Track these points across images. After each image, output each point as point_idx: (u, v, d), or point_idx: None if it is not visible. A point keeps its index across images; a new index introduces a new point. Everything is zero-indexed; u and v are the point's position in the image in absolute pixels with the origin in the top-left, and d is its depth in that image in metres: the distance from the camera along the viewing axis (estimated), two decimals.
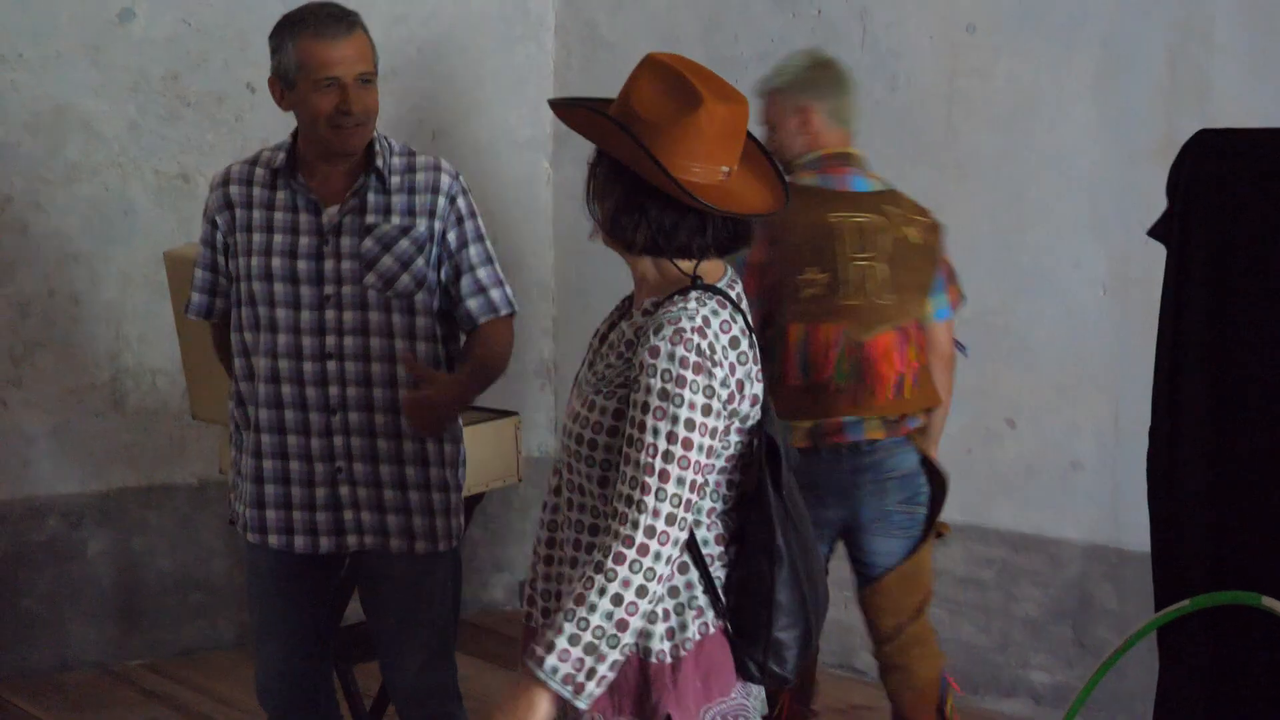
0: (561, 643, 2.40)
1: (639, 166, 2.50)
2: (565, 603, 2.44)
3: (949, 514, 4.50)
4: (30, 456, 4.82)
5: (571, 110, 2.61)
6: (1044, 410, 4.74)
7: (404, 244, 3.32)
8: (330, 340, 3.33)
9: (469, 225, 3.37)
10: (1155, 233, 3.29)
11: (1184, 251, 3.20)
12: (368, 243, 3.31)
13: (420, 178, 3.37)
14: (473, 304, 3.37)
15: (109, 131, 4.82)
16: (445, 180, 3.37)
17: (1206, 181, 3.17)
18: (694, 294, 2.52)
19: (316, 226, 3.33)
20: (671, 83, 2.50)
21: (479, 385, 3.38)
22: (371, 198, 3.33)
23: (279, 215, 3.34)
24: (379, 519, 3.36)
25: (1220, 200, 3.16)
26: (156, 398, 4.99)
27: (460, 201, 3.37)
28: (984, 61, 4.79)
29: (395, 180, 3.35)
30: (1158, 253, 3.33)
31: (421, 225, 3.33)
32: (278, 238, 3.33)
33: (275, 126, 5.12)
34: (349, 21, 3.34)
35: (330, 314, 3.32)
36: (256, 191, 3.37)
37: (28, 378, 4.79)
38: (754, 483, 2.58)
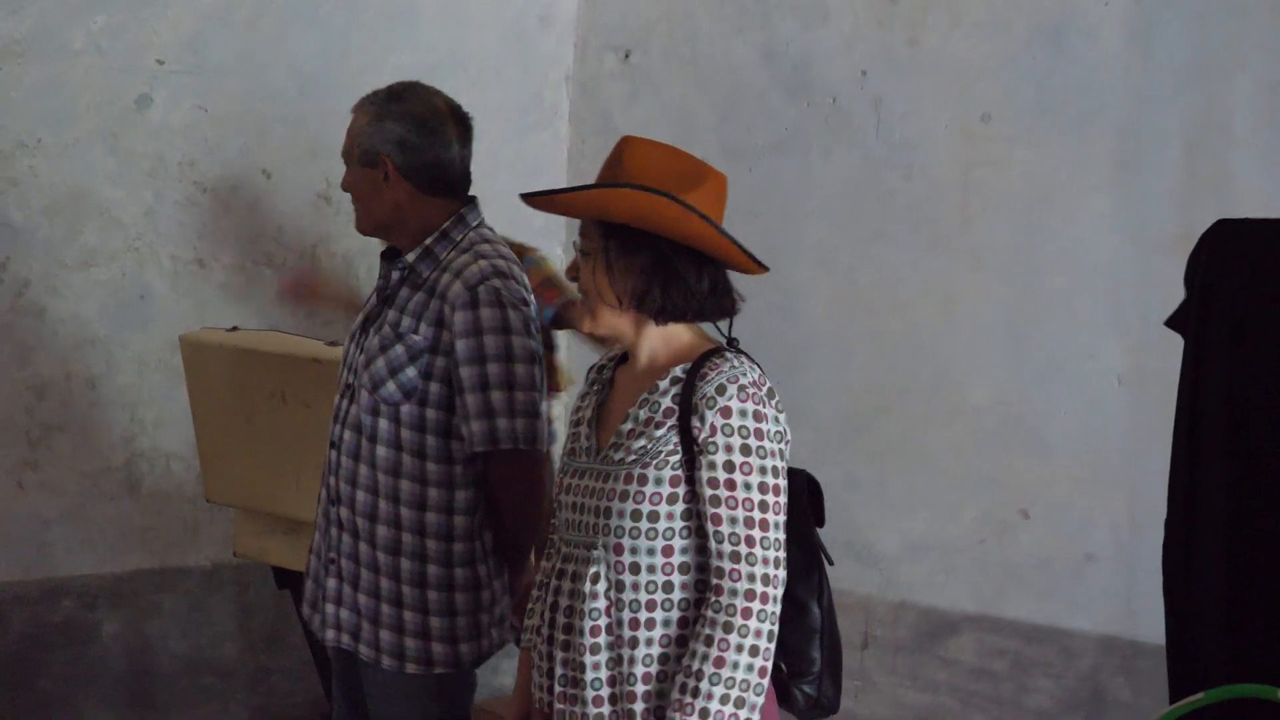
0: (715, 706, 2.54)
1: (684, 230, 2.56)
2: (698, 669, 2.56)
3: (962, 604, 4.48)
4: (46, 538, 4.81)
5: (580, 192, 2.67)
6: (1058, 502, 4.72)
7: (398, 349, 3.18)
8: (335, 429, 3.30)
9: (465, 343, 3.14)
10: (1173, 323, 3.29)
11: (1200, 340, 3.20)
12: (373, 339, 3.23)
13: (444, 280, 3.19)
14: (472, 427, 3.16)
15: (126, 217, 4.84)
16: (455, 288, 3.15)
17: (1224, 270, 3.18)
18: (728, 354, 2.62)
19: (366, 309, 3.35)
20: (670, 154, 2.63)
21: (517, 547, 3.25)
22: (403, 291, 3.24)
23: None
24: (355, 621, 3.25)
25: (1238, 288, 3.16)
26: (171, 481, 4.99)
27: (460, 315, 3.13)
28: (1000, 152, 4.81)
29: (427, 276, 3.21)
30: (1174, 344, 3.32)
31: (423, 333, 3.17)
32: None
33: (290, 212, 5.17)
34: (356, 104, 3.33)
35: (343, 404, 3.29)
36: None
37: (44, 460, 4.79)
38: (791, 522, 2.66)
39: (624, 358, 2.82)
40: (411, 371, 3.16)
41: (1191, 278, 3.25)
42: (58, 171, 4.75)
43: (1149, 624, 4.19)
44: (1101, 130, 4.64)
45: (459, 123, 3.32)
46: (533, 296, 3.25)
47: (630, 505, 2.62)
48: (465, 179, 3.33)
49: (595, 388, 2.81)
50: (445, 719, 3.26)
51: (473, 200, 3.33)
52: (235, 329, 4.30)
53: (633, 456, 2.64)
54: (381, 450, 3.20)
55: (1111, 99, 4.62)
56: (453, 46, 5.45)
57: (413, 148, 3.24)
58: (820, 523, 2.83)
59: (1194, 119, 4.47)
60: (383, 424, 3.20)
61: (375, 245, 5.34)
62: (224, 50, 5.00)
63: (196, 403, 4.23)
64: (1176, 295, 3.33)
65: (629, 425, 2.67)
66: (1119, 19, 4.61)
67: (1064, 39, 4.69)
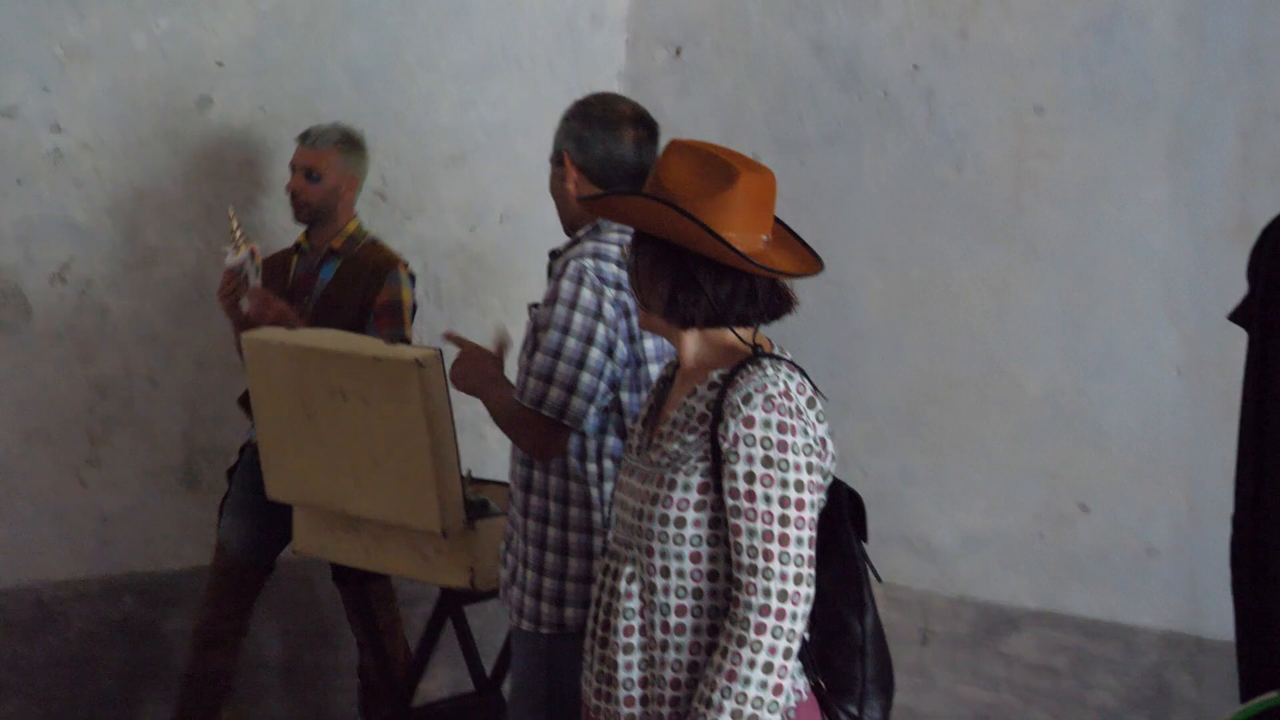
0: None
1: (692, 241, 2.56)
2: (712, 680, 2.52)
3: (1021, 599, 4.45)
4: (107, 535, 4.87)
5: (605, 200, 2.69)
6: (1117, 494, 4.69)
7: (530, 327, 3.37)
8: None
9: (544, 309, 3.30)
10: (1236, 317, 3.26)
11: (1266, 335, 3.16)
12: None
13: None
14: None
15: (186, 216, 4.90)
16: (558, 265, 3.36)
17: None
18: (765, 361, 2.60)
19: None
20: (703, 160, 2.62)
21: (496, 405, 3.38)
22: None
23: None
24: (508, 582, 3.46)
25: None
26: None
27: (550, 285, 3.31)
28: (1052, 142, 4.79)
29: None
30: (1232, 334, 3.30)
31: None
32: None
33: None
34: None
35: None
36: None
37: (105, 457, 4.85)
38: (830, 538, 2.64)
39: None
40: (533, 344, 3.31)
41: (1254, 271, 3.22)
42: (121, 172, 4.80)
43: (1214, 619, 4.17)
44: (1155, 119, 4.61)
45: (639, 124, 3.44)
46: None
47: (660, 509, 2.61)
48: (642, 177, 3.40)
49: (657, 388, 2.82)
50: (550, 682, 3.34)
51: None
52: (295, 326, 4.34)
53: (666, 460, 2.64)
54: None
55: (1165, 87, 4.59)
56: (505, 43, 5.48)
57: (587, 142, 3.39)
58: (863, 538, 2.77)
59: (1249, 106, 4.44)
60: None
61: (427, 242, 5.40)
62: (281, 51, 5.04)
63: (258, 400, 4.28)
64: (1234, 284, 3.30)
65: (667, 428, 2.68)
66: (1171, 7, 4.58)
67: (1116, 28, 4.67)
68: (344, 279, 4.64)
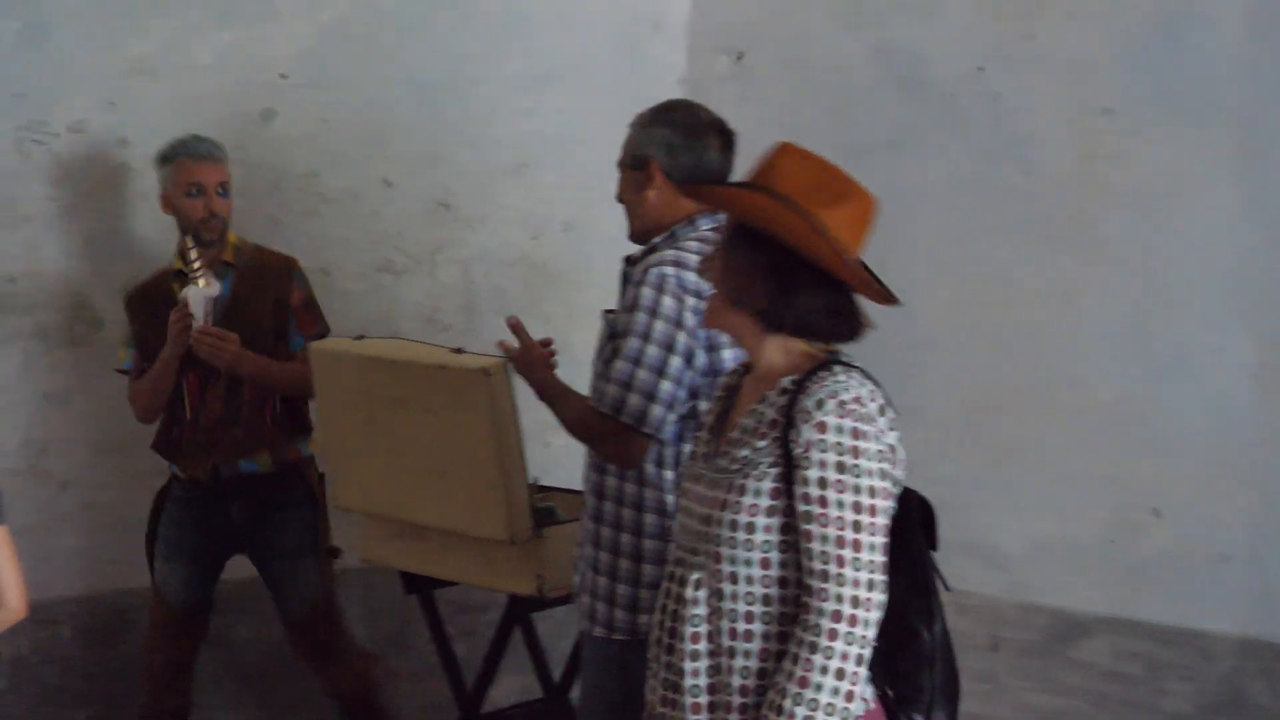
0: None
1: (807, 245, 2.55)
2: (783, 687, 2.50)
3: (1092, 605, 4.42)
4: None
5: (719, 190, 2.68)
6: (1189, 500, 4.64)
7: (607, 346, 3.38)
8: None
9: (624, 317, 3.32)
10: None
11: None
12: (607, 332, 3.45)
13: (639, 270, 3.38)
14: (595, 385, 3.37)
15: (251, 228, 4.93)
16: (637, 271, 3.36)
17: None
18: (836, 368, 2.58)
19: None
20: (820, 169, 2.61)
21: (568, 412, 3.40)
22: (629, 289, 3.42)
23: None
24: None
25: None
26: None
27: (629, 292, 3.33)
28: (1119, 145, 4.75)
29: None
30: None
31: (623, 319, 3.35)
32: None
33: (411, 220, 5.23)
34: None
35: None
36: None
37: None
38: (899, 545, 2.62)
39: (749, 365, 2.81)
40: (609, 350, 3.33)
41: None
42: None
43: None
44: (1224, 121, 4.56)
45: (721, 134, 3.48)
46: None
47: (729, 515, 2.59)
48: (716, 180, 3.42)
49: (721, 394, 2.81)
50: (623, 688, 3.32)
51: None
52: (361, 337, 4.36)
53: (736, 465, 2.62)
54: None
55: (1234, 90, 4.54)
56: (565, 53, 5.49)
57: (677, 149, 3.41)
58: (933, 546, 2.76)
59: None
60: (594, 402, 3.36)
61: (490, 251, 5.41)
62: (343, 64, 5.07)
63: (324, 410, 4.30)
64: None
65: (737, 434, 2.66)
66: (1239, 9, 4.53)
67: (1183, 30, 4.62)
68: (245, 290, 4.46)
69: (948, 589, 2.74)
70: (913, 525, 2.69)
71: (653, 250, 3.39)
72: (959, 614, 4.74)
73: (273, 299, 4.48)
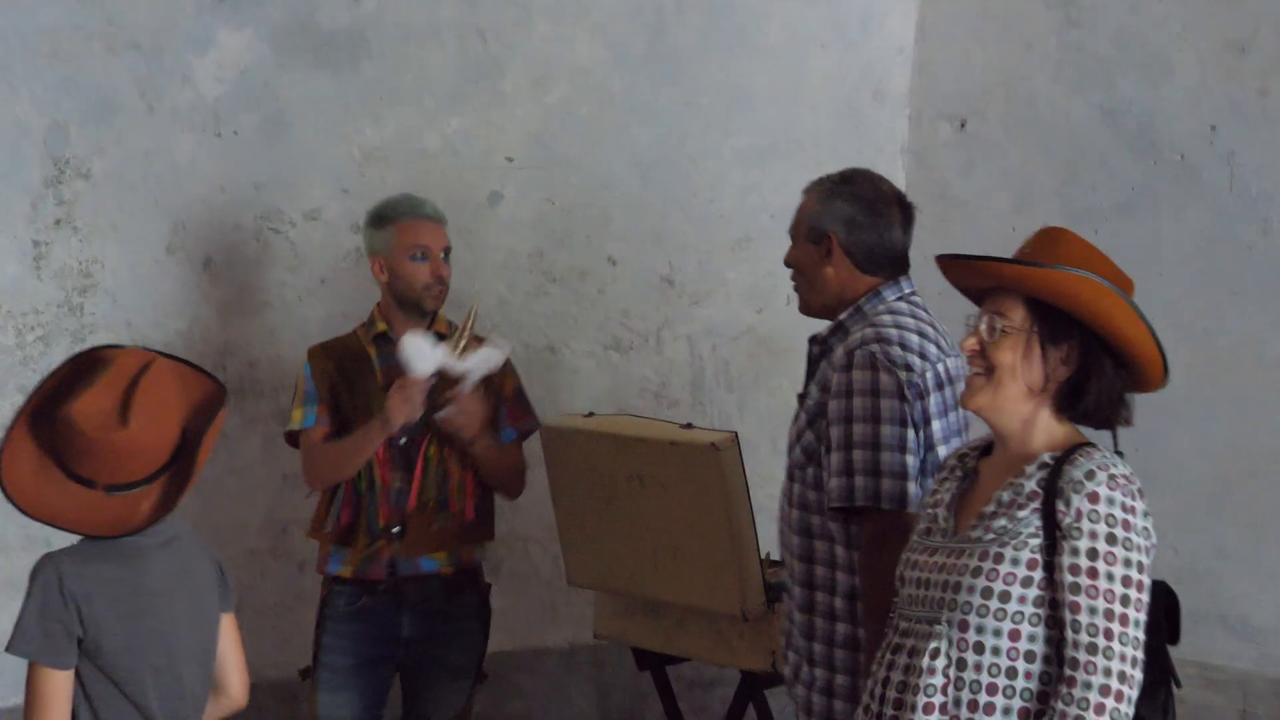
0: None
1: (1122, 328, 2.59)
2: None
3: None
4: None
5: (1016, 265, 2.65)
6: None
7: (801, 416, 3.33)
8: (780, 500, 3.48)
9: (837, 404, 3.20)
10: None
11: None
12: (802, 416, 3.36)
13: (838, 348, 3.30)
14: (830, 484, 3.20)
15: (482, 309, 5.02)
16: (838, 353, 3.26)
17: None
18: (1099, 449, 2.56)
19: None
20: (1098, 254, 2.65)
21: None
22: (822, 365, 3.35)
23: None
24: (792, 679, 3.36)
25: None
26: (529, 564, 5.11)
27: (837, 378, 3.21)
28: None
29: (835, 348, 3.34)
30: None
31: (815, 397, 3.30)
32: None
33: (634, 297, 5.27)
34: None
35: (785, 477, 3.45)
36: None
37: None
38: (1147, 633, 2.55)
39: (987, 449, 2.77)
40: (810, 435, 3.26)
41: None
42: None
43: None
44: None
45: (903, 208, 3.41)
46: (921, 361, 3.21)
47: (982, 582, 2.56)
48: (902, 261, 3.40)
49: (957, 474, 2.77)
50: None
51: (897, 277, 3.37)
52: (591, 414, 4.39)
53: (991, 535, 2.58)
54: (795, 514, 3.31)
55: None
56: (787, 126, 5.50)
57: (858, 226, 3.34)
58: (1174, 639, 2.71)
59: None
60: (796, 489, 3.32)
61: (715, 326, 5.42)
62: (568, 145, 5.15)
63: (556, 487, 4.33)
64: None
65: (991, 507, 2.62)
66: None
67: None
68: None
69: (1179, 685, 2.70)
70: (1158, 615, 2.63)
71: (840, 328, 3.33)
72: (1207, 688, 4.60)
73: (486, 384, 4.03)
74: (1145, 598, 2.50)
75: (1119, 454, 2.62)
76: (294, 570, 4.83)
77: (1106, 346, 2.61)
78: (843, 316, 3.35)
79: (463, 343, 3.91)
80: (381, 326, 4.10)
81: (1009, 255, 2.74)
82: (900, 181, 5.72)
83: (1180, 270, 4.96)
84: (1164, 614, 2.70)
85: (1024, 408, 2.65)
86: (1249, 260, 4.82)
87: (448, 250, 4.11)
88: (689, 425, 4.19)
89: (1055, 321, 2.62)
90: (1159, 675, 2.66)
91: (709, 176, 5.40)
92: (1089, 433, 2.69)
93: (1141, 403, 4.88)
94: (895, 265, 3.36)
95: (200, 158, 4.65)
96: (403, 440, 3.99)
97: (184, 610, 2.92)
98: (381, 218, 4.10)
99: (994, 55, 5.43)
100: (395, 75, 4.90)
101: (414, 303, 4.06)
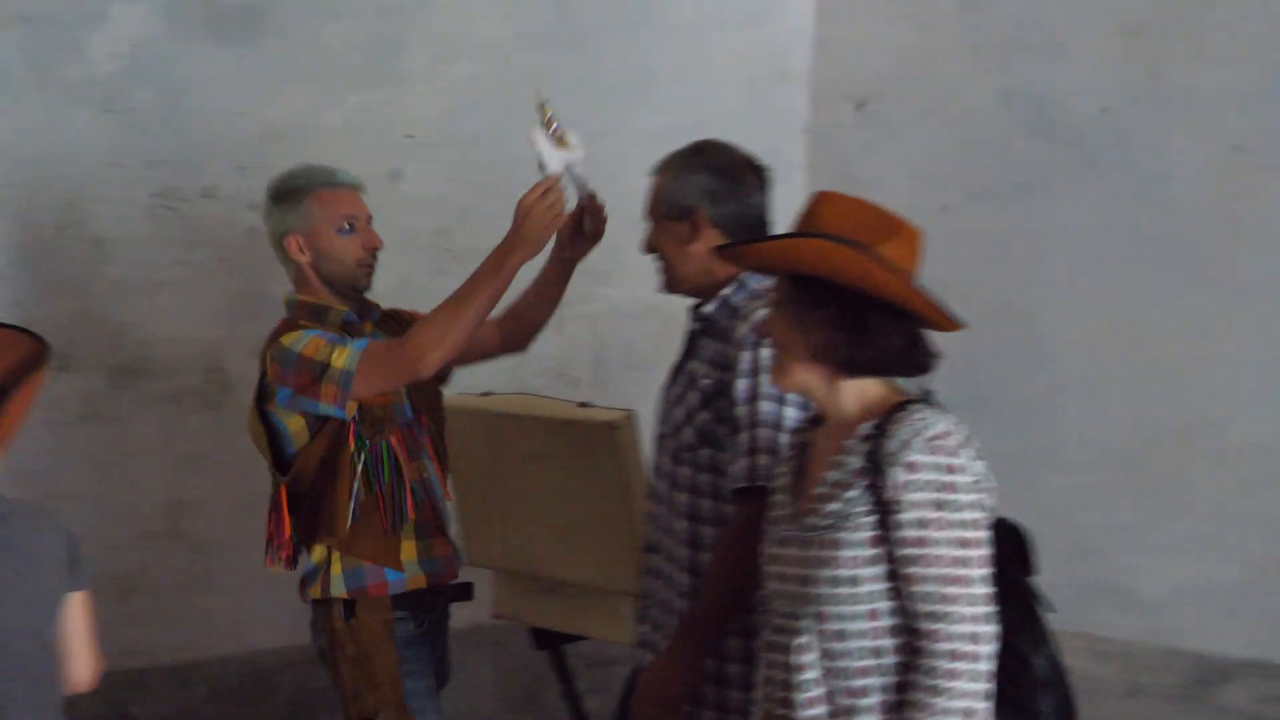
0: None
1: (871, 284, 2.53)
2: None
3: (1234, 649, 4.30)
4: None
5: (766, 244, 2.67)
6: None
7: (692, 395, 3.23)
8: (652, 480, 3.43)
9: (745, 383, 3.13)
10: None
11: None
12: (675, 389, 3.31)
13: (737, 325, 3.19)
14: (737, 464, 3.12)
15: (382, 287, 4.98)
16: (741, 329, 3.15)
17: None
18: (912, 407, 2.55)
19: (676, 362, 3.42)
20: (862, 209, 2.62)
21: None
22: (703, 341, 3.29)
23: None
24: None
25: None
26: None
27: (744, 355, 3.12)
28: (1254, 182, 4.69)
29: (724, 325, 3.24)
30: None
31: (713, 377, 3.20)
32: None
33: (536, 275, 5.25)
34: None
35: (656, 455, 3.38)
36: None
37: None
38: (998, 573, 2.56)
39: (817, 419, 2.77)
40: (705, 415, 3.18)
41: None
42: None
43: None
44: None
45: (757, 171, 3.37)
46: None
47: (828, 572, 2.56)
48: (765, 226, 3.34)
49: (793, 452, 2.78)
50: None
51: None
52: (489, 393, 4.38)
53: (827, 521, 2.58)
54: (683, 497, 3.24)
55: None
56: (690, 105, 5.50)
57: (721, 197, 3.29)
58: (1028, 571, 2.71)
59: None
60: (683, 470, 3.24)
61: (618, 306, 5.42)
62: (470, 122, 5.13)
63: (454, 466, 4.31)
64: None
65: (822, 489, 2.63)
66: None
67: None
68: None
69: (1053, 611, 2.70)
70: (1007, 553, 2.64)
71: (726, 303, 3.25)
72: (1097, 660, 4.68)
73: None
74: (982, 551, 2.49)
75: (932, 403, 2.60)
76: (190, 552, 4.79)
77: (872, 300, 2.57)
78: (727, 292, 3.27)
79: (562, 132, 3.55)
80: (341, 306, 3.63)
81: None
82: (802, 160, 5.75)
83: (1075, 250, 5.02)
84: (1015, 551, 2.69)
85: (816, 377, 2.65)
86: (1144, 240, 4.90)
87: (369, 219, 3.69)
88: (586, 404, 4.19)
89: (812, 288, 2.61)
90: (1025, 610, 2.65)
91: (612, 155, 5.38)
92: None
93: (1036, 379, 4.98)
94: (761, 232, 3.30)
95: (93, 134, 4.59)
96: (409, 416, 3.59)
97: (12, 586, 2.85)
98: (294, 191, 3.64)
99: (894, 36, 5.46)
100: (295, 51, 4.85)
101: (348, 282, 3.63)
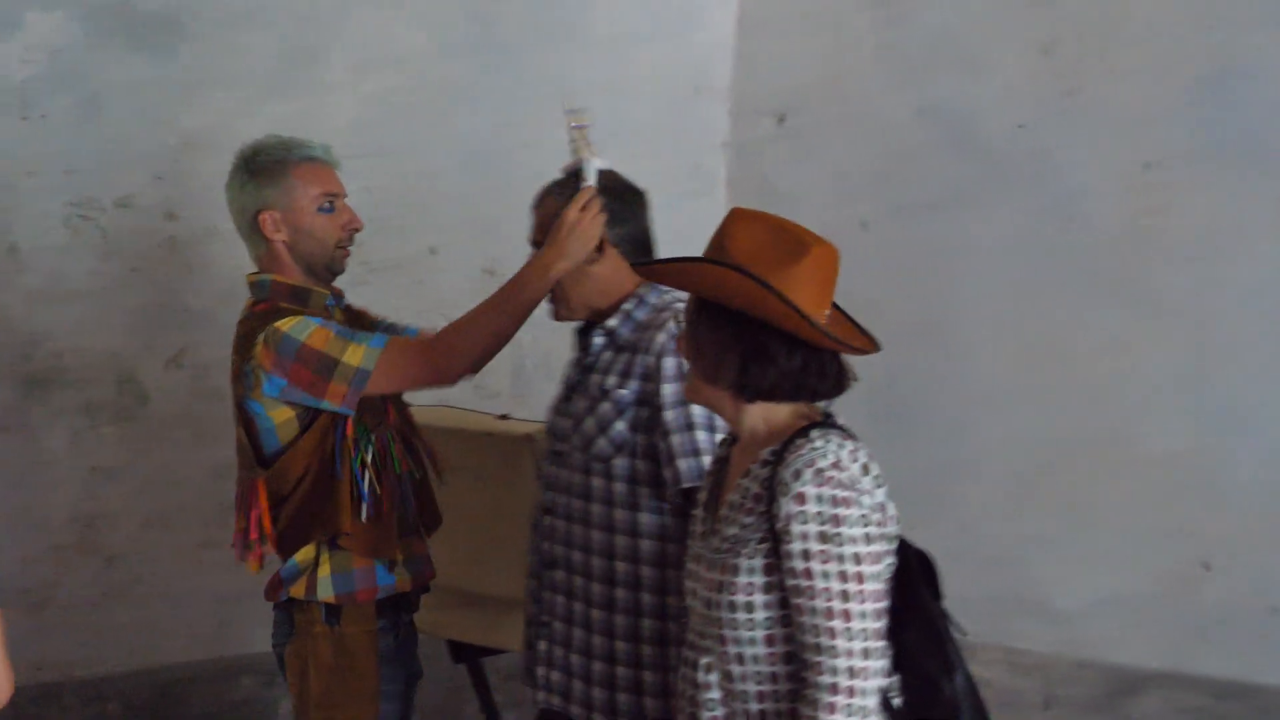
0: None
1: (768, 312, 2.53)
2: None
3: (1146, 660, 4.33)
4: (224, 617, 4.91)
5: (674, 265, 2.67)
6: (1241, 554, 4.61)
7: (604, 407, 3.22)
8: (547, 496, 3.36)
9: (673, 388, 3.10)
10: None
11: None
12: (579, 403, 3.30)
13: (647, 335, 3.19)
14: (679, 465, 3.10)
15: None
16: (660, 339, 3.14)
17: None
18: (813, 433, 2.55)
19: (567, 379, 3.42)
20: (773, 230, 2.60)
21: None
22: (605, 355, 3.29)
23: None
24: (564, 681, 3.29)
25: None
26: None
27: (668, 361, 3.09)
28: (1166, 199, 4.74)
29: (628, 337, 3.24)
30: None
31: (630, 388, 3.19)
32: None
33: (455, 287, 5.23)
34: None
35: (553, 470, 3.34)
36: None
37: (222, 540, 4.87)
38: (905, 599, 2.58)
39: (735, 437, 2.78)
40: (620, 425, 3.18)
41: None
42: (231, 258, 4.83)
43: None
44: (1272, 173, 4.54)
45: (638, 192, 3.41)
46: None
47: (726, 597, 2.57)
48: (652, 245, 3.38)
49: (713, 469, 2.79)
50: None
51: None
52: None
53: (726, 545, 2.60)
54: (596, 508, 3.23)
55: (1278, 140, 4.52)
56: (610, 118, 5.45)
57: (618, 218, 3.31)
58: (938, 596, 2.70)
59: None
60: (595, 481, 3.23)
61: (539, 316, 5.39)
62: (388, 134, 5.10)
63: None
64: None
65: (726, 511, 2.64)
66: None
67: (1229, 83, 4.61)
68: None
69: (964, 634, 2.69)
70: (914, 578, 2.63)
71: (628, 317, 3.27)
72: (1012, 672, 4.71)
73: None
74: (869, 586, 2.48)
75: (837, 428, 2.60)
76: (101, 565, 4.73)
77: (772, 326, 2.57)
78: (628, 306, 3.28)
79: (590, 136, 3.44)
80: (323, 290, 3.46)
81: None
82: (722, 175, 5.77)
83: (991, 265, 5.06)
84: (922, 576, 2.68)
85: (720, 398, 2.66)
86: (1059, 256, 4.94)
87: (345, 195, 3.49)
88: (505, 416, 4.18)
89: (711, 311, 2.62)
90: (935, 634, 2.63)
91: (532, 167, 5.36)
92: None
93: (952, 393, 5.01)
94: (649, 251, 3.34)
95: (6, 141, 4.53)
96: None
97: None
98: (274, 163, 3.41)
99: (814, 51, 5.49)
100: (213, 60, 4.82)
101: (325, 263, 3.44)
